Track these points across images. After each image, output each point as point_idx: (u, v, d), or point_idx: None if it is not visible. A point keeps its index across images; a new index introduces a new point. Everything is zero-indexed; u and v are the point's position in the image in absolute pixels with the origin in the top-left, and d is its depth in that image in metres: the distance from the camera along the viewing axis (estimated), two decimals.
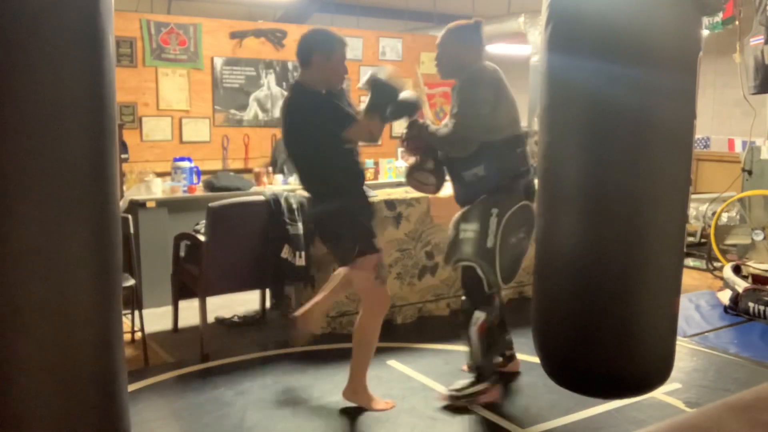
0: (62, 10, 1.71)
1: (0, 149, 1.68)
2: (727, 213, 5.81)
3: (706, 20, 3.84)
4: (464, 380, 3.22)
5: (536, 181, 2.55)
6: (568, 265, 2.38)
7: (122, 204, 4.39)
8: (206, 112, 6.03)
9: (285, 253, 3.94)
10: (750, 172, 5.72)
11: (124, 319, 2.17)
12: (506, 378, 3.44)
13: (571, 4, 2.26)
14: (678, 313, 2.46)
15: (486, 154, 3.06)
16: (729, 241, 5.87)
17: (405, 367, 3.61)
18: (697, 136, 7.15)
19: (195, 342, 3.86)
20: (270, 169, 5.68)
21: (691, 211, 6.08)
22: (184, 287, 4.10)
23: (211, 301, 3.99)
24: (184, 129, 5.92)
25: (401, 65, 7.15)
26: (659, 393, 3.21)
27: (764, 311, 4.45)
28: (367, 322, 3.04)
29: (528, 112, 6.44)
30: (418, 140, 3.19)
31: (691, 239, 6.43)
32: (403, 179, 3.93)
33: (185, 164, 4.91)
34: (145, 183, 4.76)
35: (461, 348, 3.88)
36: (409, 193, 4.15)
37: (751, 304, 4.52)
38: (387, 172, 6.00)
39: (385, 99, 2.91)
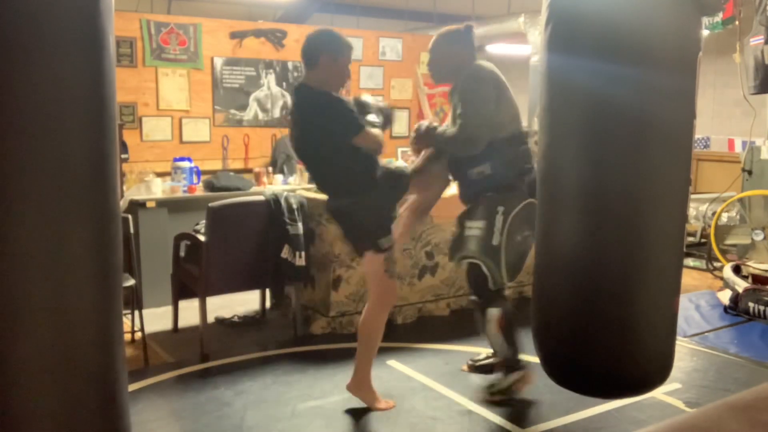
0: (62, 10, 1.70)
1: (0, 149, 1.68)
2: (727, 213, 5.81)
3: (706, 20, 3.83)
4: (494, 376, 3.28)
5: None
6: (568, 265, 2.38)
7: (122, 204, 4.39)
8: (206, 112, 6.03)
9: (285, 253, 3.94)
10: (750, 172, 5.72)
11: (124, 319, 2.17)
12: None
13: (571, 4, 2.26)
14: (678, 313, 2.46)
15: (491, 152, 3.08)
16: (729, 241, 5.87)
17: (405, 367, 3.61)
18: (697, 136, 7.15)
19: (195, 342, 3.87)
20: (270, 169, 5.68)
21: (691, 211, 6.08)
22: (184, 287, 4.10)
23: (211, 301, 3.99)
24: (184, 129, 5.92)
25: (401, 65, 7.16)
26: (659, 393, 3.21)
27: (764, 311, 4.45)
28: (372, 316, 3.06)
29: (528, 112, 6.44)
30: (426, 141, 3.20)
31: (691, 239, 6.43)
32: None
33: (185, 164, 4.91)
34: (145, 183, 4.76)
35: (461, 348, 3.89)
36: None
37: (751, 304, 4.52)
38: None
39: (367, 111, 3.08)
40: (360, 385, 3.12)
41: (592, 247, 2.33)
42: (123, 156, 5.08)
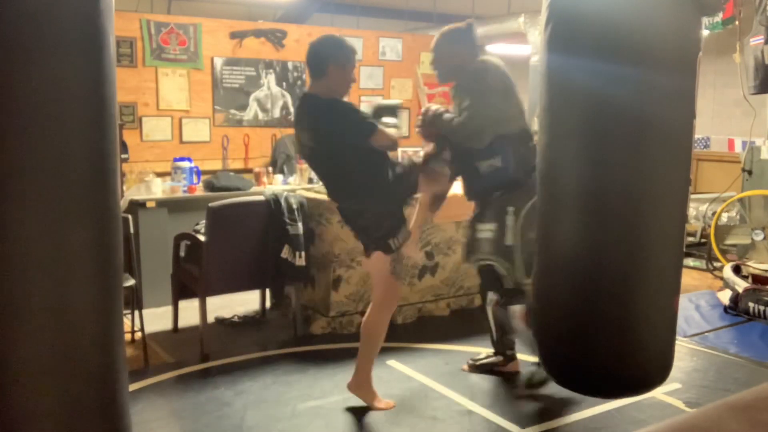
0: (62, 10, 1.71)
1: (0, 149, 1.68)
2: (727, 213, 5.81)
3: (706, 20, 3.83)
4: (530, 369, 3.36)
5: None
6: (567, 265, 2.38)
7: (122, 204, 4.39)
8: (206, 112, 6.03)
9: (285, 253, 3.94)
10: (750, 172, 5.72)
11: (124, 319, 2.17)
12: (506, 378, 3.45)
13: (571, 4, 2.26)
14: (677, 312, 2.46)
15: (502, 146, 3.09)
16: (729, 241, 5.87)
17: (405, 367, 3.61)
18: (697, 136, 7.15)
19: (195, 342, 3.87)
20: (270, 169, 5.68)
21: (691, 211, 6.08)
22: (184, 287, 4.10)
23: (211, 301, 3.99)
24: (184, 129, 5.92)
25: (401, 65, 7.16)
26: (659, 393, 3.21)
27: (764, 311, 4.45)
28: (375, 316, 3.07)
29: (528, 112, 6.43)
30: (432, 126, 3.19)
31: (691, 239, 6.43)
32: None
33: (185, 164, 4.91)
34: (145, 183, 4.76)
35: (461, 348, 3.89)
36: None
37: (751, 304, 4.52)
38: None
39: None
40: (360, 384, 3.12)
41: (592, 247, 2.33)
42: (123, 156, 5.07)
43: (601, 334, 2.35)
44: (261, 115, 6.30)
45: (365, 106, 3.23)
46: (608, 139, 2.25)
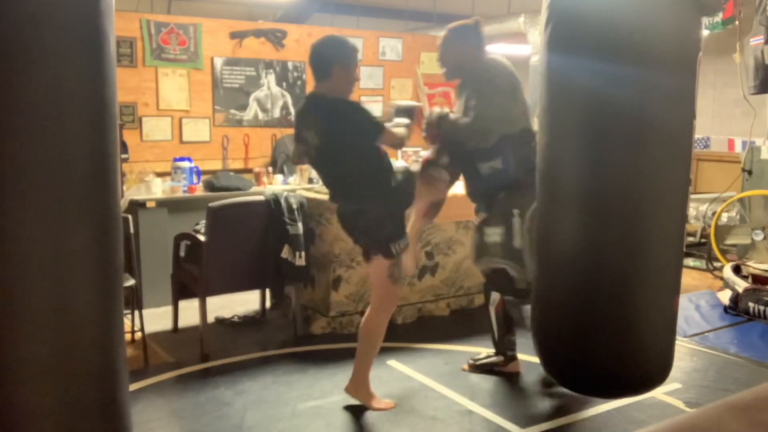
0: (62, 10, 1.71)
1: (0, 149, 1.68)
2: (727, 213, 5.81)
3: (706, 20, 3.83)
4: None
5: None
6: (567, 265, 2.39)
7: (122, 204, 4.39)
8: (206, 112, 6.03)
9: (285, 253, 3.94)
10: (750, 172, 5.72)
11: (124, 319, 2.17)
12: (506, 378, 3.45)
13: (571, 4, 2.26)
14: (677, 312, 2.46)
15: (503, 147, 3.08)
16: (729, 241, 5.87)
17: (405, 367, 3.61)
18: (697, 136, 7.15)
19: (195, 342, 3.86)
20: (270, 169, 5.68)
21: (691, 211, 6.08)
22: (184, 287, 4.10)
23: (211, 301, 3.99)
24: (184, 129, 5.92)
25: (401, 65, 7.16)
26: (659, 393, 3.21)
27: (764, 311, 4.45)
28: (373, 318, 3.06)
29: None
30: (437, 128, 3.19)
31: (691, 239, 6.43)
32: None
33: (185, 164, 4.91)
34: (145, 183, 4.76)
35: (461, 348, 3.89)
36: None
37: (751, 304, 4.52)
38: None
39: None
40: (358, 387, 3.11)
41: (592, 247, 2.34)
42: (123, 156, 5.07)
43: (601, 334, 2.35)
44: (261, 115, 6.30)
45: (384, 106, 3.27)
46: (608, 139, 2.25)
